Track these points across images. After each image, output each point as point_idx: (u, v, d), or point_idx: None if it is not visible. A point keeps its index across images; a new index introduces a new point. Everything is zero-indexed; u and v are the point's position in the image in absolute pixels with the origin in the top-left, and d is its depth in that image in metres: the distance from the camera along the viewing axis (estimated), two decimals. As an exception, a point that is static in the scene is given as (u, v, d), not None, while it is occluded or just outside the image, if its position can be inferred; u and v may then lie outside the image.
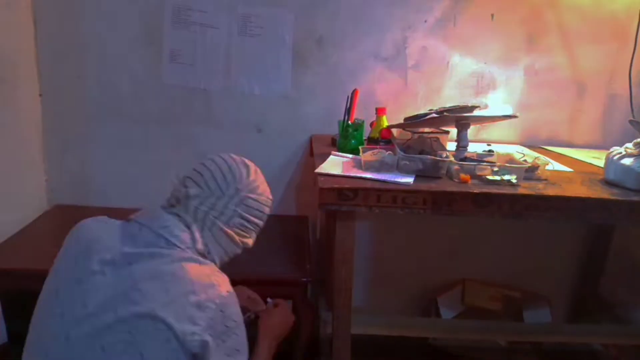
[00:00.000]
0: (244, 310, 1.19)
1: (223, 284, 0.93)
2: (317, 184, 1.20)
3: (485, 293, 1.95)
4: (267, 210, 1.08)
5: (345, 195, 1.16)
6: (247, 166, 1.06)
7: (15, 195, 1.68)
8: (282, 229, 1.83)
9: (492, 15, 1.80)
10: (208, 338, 0.85)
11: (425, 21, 1.80)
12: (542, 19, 1.81)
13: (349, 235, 1.23)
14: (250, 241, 1.08)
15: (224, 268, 1.02)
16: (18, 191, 1.70)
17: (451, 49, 1.83)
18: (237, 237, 1.03)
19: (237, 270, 1.48)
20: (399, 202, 1.17)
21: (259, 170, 1.09)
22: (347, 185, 1.17)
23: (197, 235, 0.97)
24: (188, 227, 0.97)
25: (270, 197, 1.09)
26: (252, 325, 1.16)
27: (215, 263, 1.01)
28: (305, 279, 1.45)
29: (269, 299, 1.26)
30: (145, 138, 1.87)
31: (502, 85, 1.87)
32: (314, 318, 1.53)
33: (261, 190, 1.06)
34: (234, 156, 1.06)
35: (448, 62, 1.84)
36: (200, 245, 0.97)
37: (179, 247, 0.93)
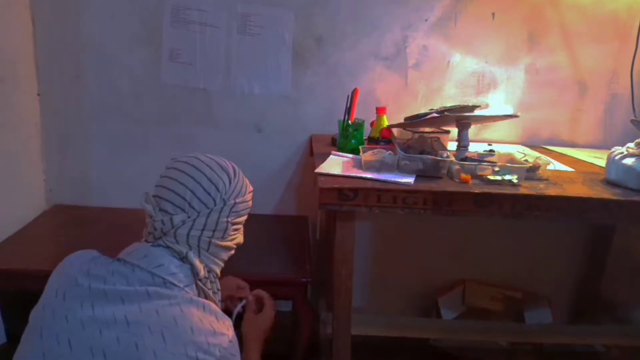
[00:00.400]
0: (234, 300, 1.20)
1: (225, 332, 0.87)
2: (317, 184, 1.20)
3: (486, 294, 1.95)
4: (251, 203, 1.03)
5: (346, 195, 1.16)
6: (225, 171, 0.97)
7: (14, 195, 1.68)
8: (281, 229, 1.83)
9: (493, 15, 1.80)
10: None
11: (426, 20, 1.80)
12: (543, 18, 1.80)
13: (349, 235, 1.23)
14: (241, 238, 1.04)
15: (223, 269, 1.02)
16: (16, 191, 1.70)
17: (452, 48, 1.83)
18: (232, 243, 1.00)
19: (237, 270, 1.48)
20: (399, 202, 1.17)
21: (236, 167, 1.01)
22: (347, 185, 1.17)
23: (197, 264, 0.92)
24: (184, 259, 0.91)
25: (251, 188, 1.03)
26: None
27: (217, 275, 0.99)
28: (305, 280, 1.45)
29: (244, 300, 1.21)
30: (145, 138, 1.87)
31: (503, 84, 1.87)
32: (314, 319, 1.53)
33: (245, 189, 1.00)
34: (205, 160, 0.96)
35: (449, 62, 1.84)
36: (202, 273, 0.93)
37: (177, 286, 0.88)
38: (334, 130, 1.65)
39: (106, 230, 1.72)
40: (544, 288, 2.00)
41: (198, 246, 0.93)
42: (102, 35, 1.77)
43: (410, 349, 1.89)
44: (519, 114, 1.52)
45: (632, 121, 1.49)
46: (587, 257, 2.01)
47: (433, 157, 1.27)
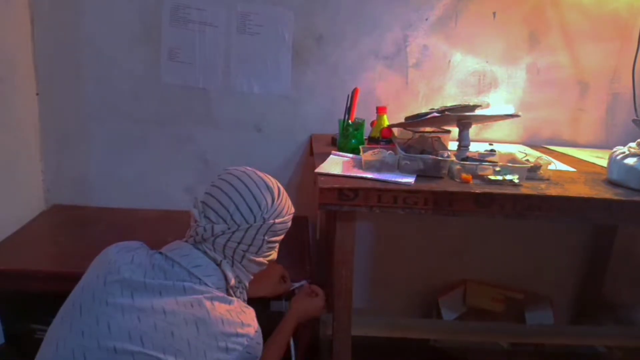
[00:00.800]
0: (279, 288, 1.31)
1: (251, 324, 0.95)
2: (317, 184, 1.20)
3: (487, 294, 1.95)
4: (290, 223, 1.09)
5: (346, 195, 1.16)
6: (270, 191, 1.03)
7: (12, 195, 1.67)
8: (281, 230, 1.83)
9: (494, 14, 1.80)
10: None
11: (426, 19, 1.80)
12: (544, 17, 1.80)
13: (349, 235, 1.23)
14: (275, 255, 1.09)
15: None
16: (14, 191, 1.70)
17: (452, 47, 1.83)
18: (265, 259, 1.05)
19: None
20: (399, 202, 1.17)
21: (281, 188, 1.07)
22: (347, 185, 1.17)
23: (229, 273, 0.98)
24: (219, 265, 0.97)
25: (293, 210, 1.10)
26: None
27: (245, 287, 1.05)
28: (304, 280, 1.45)
29: (304, 281, 1.36)
30: (144, 137, 1.87)
31: (504, 84, 1.87)
32: (314, 320, 1.53)
33: (286, 210, 1.06)
34: (254, 178, 1.03)
35: (449, 61, 1.84)
36: (232, 282, 0.98)
37: (209, 286, 0.93)
38: (334, 129, 1.65)
39: (105, 230, 1.72)
40: (545, 289, 2.00)
41: (232, 257, 0.99)
42: (101, 35, 1.77)
43: (411, 350, 1.88)
44: (520, 113, 1.51)
45: (633, 121, 1.49)
46: (589, 257, 2.01)
47: (434, 157, 1.27)
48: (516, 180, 1.22)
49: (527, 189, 1.20)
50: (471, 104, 1.44)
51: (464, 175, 1.23)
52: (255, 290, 1.16)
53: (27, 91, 1.76)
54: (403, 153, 1.29)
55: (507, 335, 1.83)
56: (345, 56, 1.82)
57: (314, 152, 1.57)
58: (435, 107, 1.52)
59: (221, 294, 0.94)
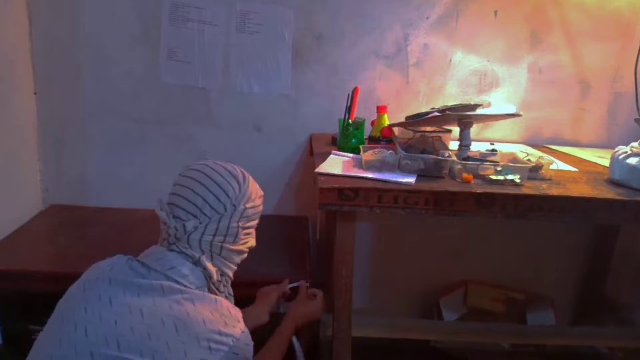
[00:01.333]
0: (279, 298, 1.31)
1: (236, 324, 0.93)
2: (317, 184, 1.19)
3: (488, 295, 1.95)
4: (262, 207, 1.08)
5: (346, 195, 1.16)
6: (234, 176, 1.01)
7: (9, 195, 1.67)
8: (281, 230, 1.83)
9: (495, 12, 1.80)
10: None
11: (427, 18, 1.80)
12: (545, 16, 1.80)
13: (350, 235, 1.23)
14: (253, 241, 1.08)
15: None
16: (12, 191, 1.70)
17: (453, 46, 1.83)
18: (244, 247, 1.04)
19: (236, 271, 1.47)
20: (400, 202, 1.17)
21: (245, 173, 1.05)
22: (347, 185, 1.16)
23: (210, 267, 0.96)
24: (196, 262, 0.95)
25: (262, 193, 1.08)
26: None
27: (230, 278, 1.04)
28: (304, 281, 1.45)
29: (303, 281, 1.35)
30: (143, 137, 1.87)
31: (505, 83, 1.87)
32: (314, 321, 1.53)
33: (254, 194, 1.04)
34: (216, 167, 1.01)
35: (450, 60, 1.84)
36: (215, 277, 0.97)
37: (188, 287, 0.92)
38: (334, 129, 1.65)
39: (104, 230, 1.72)
40: (547, 289, 2.00)
41: (210, 250, 0.97)
42: (100, 34, 1.77)
43: (412, 351, 1.88)
44: (521, 113, 1.51)
45: (636, 120, 1.49)
46: (591, 257, 2.01)
47: (434, 156, 1.27)
48: (517, 180, 1.22)
49: (529, 189, 1.20)
50: (472, 103, 1.44)
51: (465, 175, 1.23)
52: (255, 321, 1.18)
53: (25, 90, 1.76)
54: (404, 153, 1.29)
55: (508, 336, 1.83)
56: (346, 55, 1.82)
57: (314, 152, 1.56)
58: (436, 107, 1.52)
59: (201, 293, 0.93)
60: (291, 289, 1.34)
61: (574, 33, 1.82)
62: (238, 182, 1.00)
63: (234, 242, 1.00)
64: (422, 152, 1.33)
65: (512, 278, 1.98)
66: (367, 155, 1.31)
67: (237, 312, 0.96)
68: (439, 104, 1.76)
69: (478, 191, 1.17)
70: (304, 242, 1.70)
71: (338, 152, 1.48)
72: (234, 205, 0.98)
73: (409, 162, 1.28)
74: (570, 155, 1.71)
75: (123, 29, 1.77)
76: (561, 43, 1.83)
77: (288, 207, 1.95)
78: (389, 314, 2.03)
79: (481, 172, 1.25)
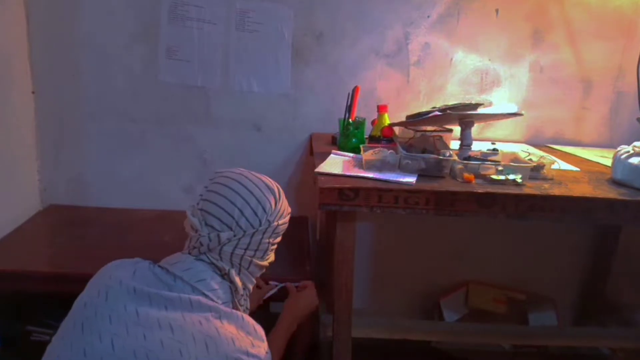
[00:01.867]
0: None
1: (261, 344, 0.92)
2: (317, 184, 1.20)
3: (490, 295, 1.95)
4: (288, 223, 1.08)
5: (346, 195, 1.16)
6: (272, 191, 1.00)
7: (7, 195, 1.67)
8: (281, 230, 1.83)
9: (497, 11, 1.80)
10: None
11: (428, 17, 1.80)
12: (547, 14, 1.80)
13: (350, 236, 1.23)
14: (274, 256, 1.08)
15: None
16: (10, 191, 1.70)
17: (454, 45, 1.83)
18: (267, 262, 1.04)
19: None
20: (401, 202, 1.16)
21: (280, 188, 1.05)
22: (347, 185, 1.16)
23: (237, 281, 0.95)
24: (224, 275, 0.94)
25: (290, 210, 1.09)
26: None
27: (249, 292, 1.03)
28: (280, 284, 1.44)
29: (280, 284, 1.33)
30: (141, 137, 1.87)
31: (507, 82, 1.87)
32: (314, 321, 1.53)
33: (286, 210, 1.05)
34: (254, 180, 0.99)
35: (451, 59, 1.84)
36: (240, 291, 0.97)
37: (215, 302, 0.91)
38: (334, 128, 1.65)
39: (102, 231, 1.72)
40: (548, 290, 2.00)
41: (240, 265, 0.97)
42: (98, 32, 1.77)
43: (412, 352, 1.89)
44: (523, 112, 1.51)
45: (638, 119, 1.49)
46: (592, 258, 2.01)
47: (435, 156, 1.27)
48: (519, 180, 1.22)
49: (530, 188, 1.20)
50: (473, 102, 1.44)
51: (466, 174, 1.23)
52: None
53: (23, 90, 1.76)
54: (404, 152, 1.29)
55: (510, 336, 1.83)
56: (346, 54, 1.81)
57: (313, 152, 1.56)
58: (437, 106, 1.52)
59: (229, 310, 0.91)
60: (279, 290, 1.33)
61: (575, 31, 1.82)
62: (275, 197, 1.00)
63: (262, 258, 1.01)
64: (423, 152, 1.33)
65: (514, 278, 1.98)
66: (368, 155, 1.31)
67: (261, 331, 0.95)
68: (439, 103, 1.76)
69: (479, 191, 1.16)
70: (304, 243, 1.70)
71: (338, 152, 1.48)
72: (269, 221, 0.98)
73: (410, 161, 1.27)
74: (572, 154, 1.71)
75: (121, 28, 1.77)
76: (563, 42, 1.83)
77: (288, 207, 1.95)
78: (389, 315, 2.03)
79: (482, 172, 1.25)
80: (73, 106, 1.83)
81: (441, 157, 1.26)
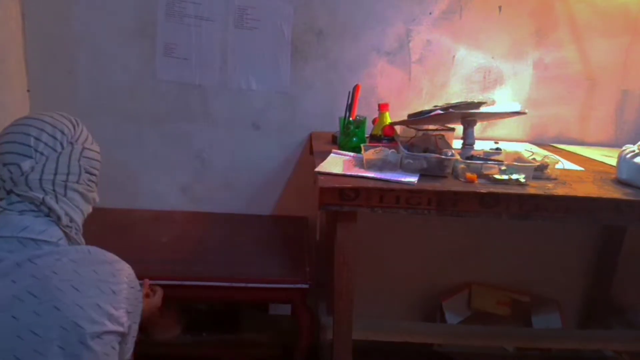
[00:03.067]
0: None
1: (116, 260, 0.94)
2: (317, 184, 1.20)
3: (493, 297, 1.95)
4: (100, 159, 1.09)
5: (347, 195, 1.16)
6: (66, 118, 1.01)
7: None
8: (280, 231, 1.83)
9: (500, 8, 1.80)
10: (127, 319, 0.90)
11: (430, 13, 1.80)
12: (551, 11, 1.80)
13: (350, 236, 1.23)
14: (96, 196, 1.08)
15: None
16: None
17: (457, 42, 1.83)
18: (88, 194, 1.03)
19: (234, 273, 1.48)
20: (402, 203, 1.17)
21: (77, 119, 1.05)
22: (348, 185, 1.17)
23: (57, 208, 0.93)
24: (41, 205, 0.92)
25: (98, 147, 1.10)
26: None
27: (79, 229, 1.01)
28: (304, 283, 1.45)
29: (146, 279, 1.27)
30: (138, 135, 1.87)
31: (510, 80, 1.87)
32: (314, 323, 1.53)
33: (91, 139, 1.06)
34: (42, 114, 0.98)
35: (454, 57, 1.84)
36: (64, 220, 0.94)
37: (50, 242, 0.90)
38: (335, 127, 1.65)
39: (98, 231, 1.69)
40: (553, 291, 2.01)
41: (54, 190, 0.95)
42: (94, 30, 1.77)
43: (414, 355, 1.89)
44: (526, 110, 1.51)
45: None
46: (597, 259, 2.01)
47: (437, 155, 1.27)
48: (522, 180, 1.22)
49: (534, 188, 1.21)
50: (476, 101, 1.44)
51: (468, 174, 1.23)
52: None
53: (17, 88, 1.76)
54: (406, 152, 1.29)
55: (513, 339, 1.83)
56: (346, 51, 1.82)
57: (313, 151, 1.57)
58: (439, 104, 1.52)
59: (73, 246, 0.93)
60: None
61: (580, 28, 1.82)
62: (72, 123, 1.01)
63: (78, 182, 0.99)
64: (425, 151, 1.33)
65: (517, 280, 1.98)
66: (369, 154, 1.31)
67: (112, 254, 0.95)
68: (442, 101, 1.77)
69: (482, 191, 1.17)
70: (304, 244, 1.71)
71: (338, 151, 1.49)
72: (71, 143, 0.98)
73: (411, 161, 1.28)
74: (577, 154, 1.72)
75: (118, 25, 1.77)
76: (567, 39, 1.83)
77: (287, 208, 1.95)
78: (390, 317, 2.04)
79: (485, 172, 1.25)
80: (68, 104, 1.83)
81: (443, 157, 1.26)
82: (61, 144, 0.96)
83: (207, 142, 1.88)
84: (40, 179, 0.93)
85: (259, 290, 1.44)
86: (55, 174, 0.95)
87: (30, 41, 1.76)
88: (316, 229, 1.96)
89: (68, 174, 0.97)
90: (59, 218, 0.93)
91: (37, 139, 0.93)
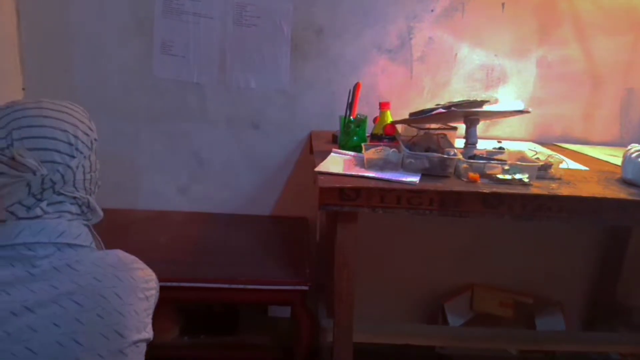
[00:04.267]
0: None
1: (145, 265, 0.95)
2: (317, 183, 1.20)
3: (495, 299, 1.95)
4: None
5: (347, 195, 1.16)
6: (85, 112, 0.99)
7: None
8: (280, 231, 1.83)
9: (503, 5, 1.80)
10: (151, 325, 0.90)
11: (432, 10, 1.80)
12: (555, 8, 1.80)
13: (351, 237, 1.23)
14: None
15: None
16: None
17: (459, 40, 1.83)
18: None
19: (233, 274, 1.48)
20: (403, 203, 1.17)
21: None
22: (348, 185, 1.17)
23: (98, 208, 0.96)
24: (82, 205, 0.92)
25: None
26: None
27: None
28: (304, 284, 1.45)
29: None
30: (135, 134, 1.87)
31: (513, 78, 1.87)
32: (314, 325, 1.53)
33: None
34: (66, 105, 0.95)
35: (456, 54, 1.84)
36: (100, 212, 0.96)
37: (84, 246, 0.89)
38: (335, 126, 1.65)
39: (96, 231, 1.71)
40: (556, 293, 2.01)
41: (91, 189, 0.97)
42: (91, 27, 1.77)
43: (415, 357, 1.89)
44: (530, 109, 1.51)
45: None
46: (602, 260, 2.01)
47: (439, 155, 1.27)
48: (526, 180, 1.22)
49: (538, 188, 1.21)
50: (479, 99, 1.44)
51: (471, 174, 1.23)
52: None
53: (13, 86, 1.76)
54: (407, 151, 1.29)
55: (516, 341, 1.83)
56: (347, 49, 1.82)
57: (313, 150, 1.57)
58: (441, 103, 1.52)
59: (103, 252, 0.92)
60: None
61: (584, 26, 1.82)
62: (88, 116, 1.00)
63: (99, 178, 1.01)
64: (427, 150, 1.33)
65: (520, 281, 1.98)
66: (369, 154, 1.31)
67: (135, 257, 0.96)
68: (444, 100, 1.76)
69: (485, 191, 1.17)
70: (304, 244, 1.71)
71: (339, 151, 1.49)
72: (95, 139, 0.98)
73: (413, 160, 1.28)
74: (581, 153, 1.72)
75: (114, 22, 1.77)
76: (571, 36, 1.83)
77: (287, 208, 1.95)
78: (391, 319, 2.04)
79: (488, 171, 1.25)
80: (64, 103, 1.83)
81: (445, 156, 1.26)
82: (91, 140, 0.96)
83: (206, 141, 1.88)
84: (84, 179, 0.93)
85: (258, 292, 1.44)
86: (90, 171, 0.95)
87: (26, 39, 1.76)
88: (316, 229, 1.96)
89: (96, 171, 0.97)
90: (98, 218, 0.95)
91: (75, 137, 0.91)
